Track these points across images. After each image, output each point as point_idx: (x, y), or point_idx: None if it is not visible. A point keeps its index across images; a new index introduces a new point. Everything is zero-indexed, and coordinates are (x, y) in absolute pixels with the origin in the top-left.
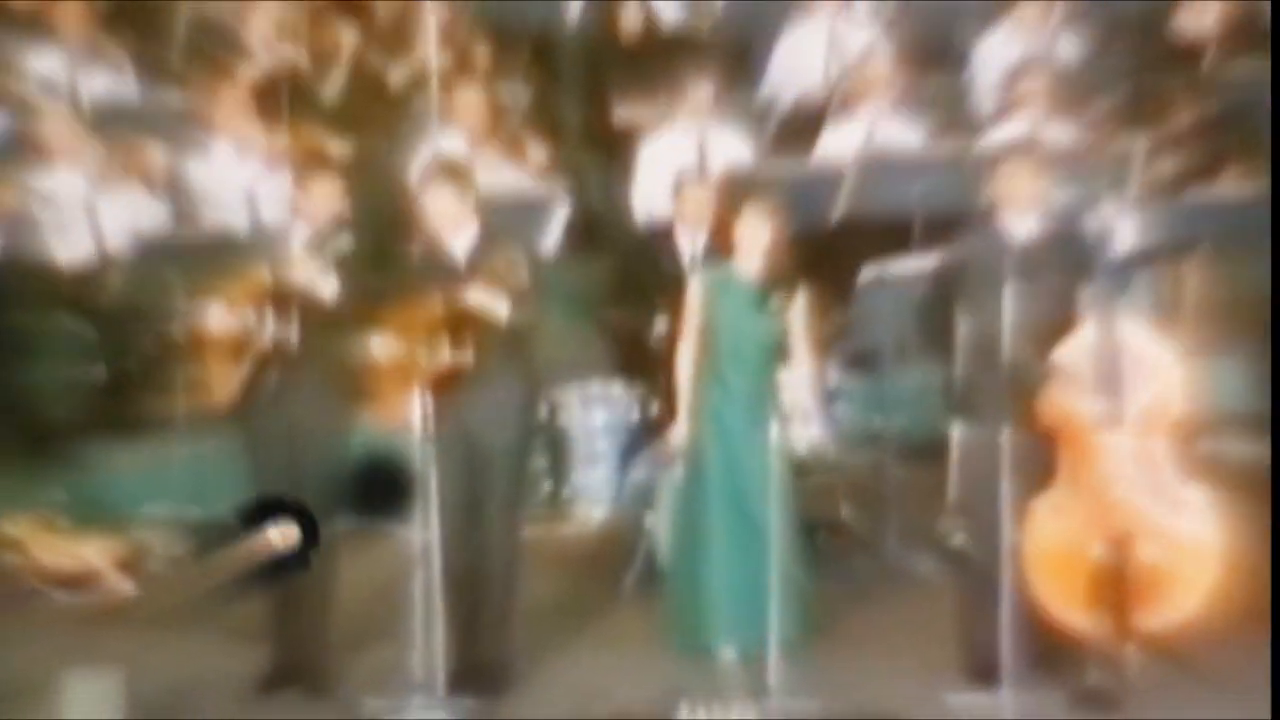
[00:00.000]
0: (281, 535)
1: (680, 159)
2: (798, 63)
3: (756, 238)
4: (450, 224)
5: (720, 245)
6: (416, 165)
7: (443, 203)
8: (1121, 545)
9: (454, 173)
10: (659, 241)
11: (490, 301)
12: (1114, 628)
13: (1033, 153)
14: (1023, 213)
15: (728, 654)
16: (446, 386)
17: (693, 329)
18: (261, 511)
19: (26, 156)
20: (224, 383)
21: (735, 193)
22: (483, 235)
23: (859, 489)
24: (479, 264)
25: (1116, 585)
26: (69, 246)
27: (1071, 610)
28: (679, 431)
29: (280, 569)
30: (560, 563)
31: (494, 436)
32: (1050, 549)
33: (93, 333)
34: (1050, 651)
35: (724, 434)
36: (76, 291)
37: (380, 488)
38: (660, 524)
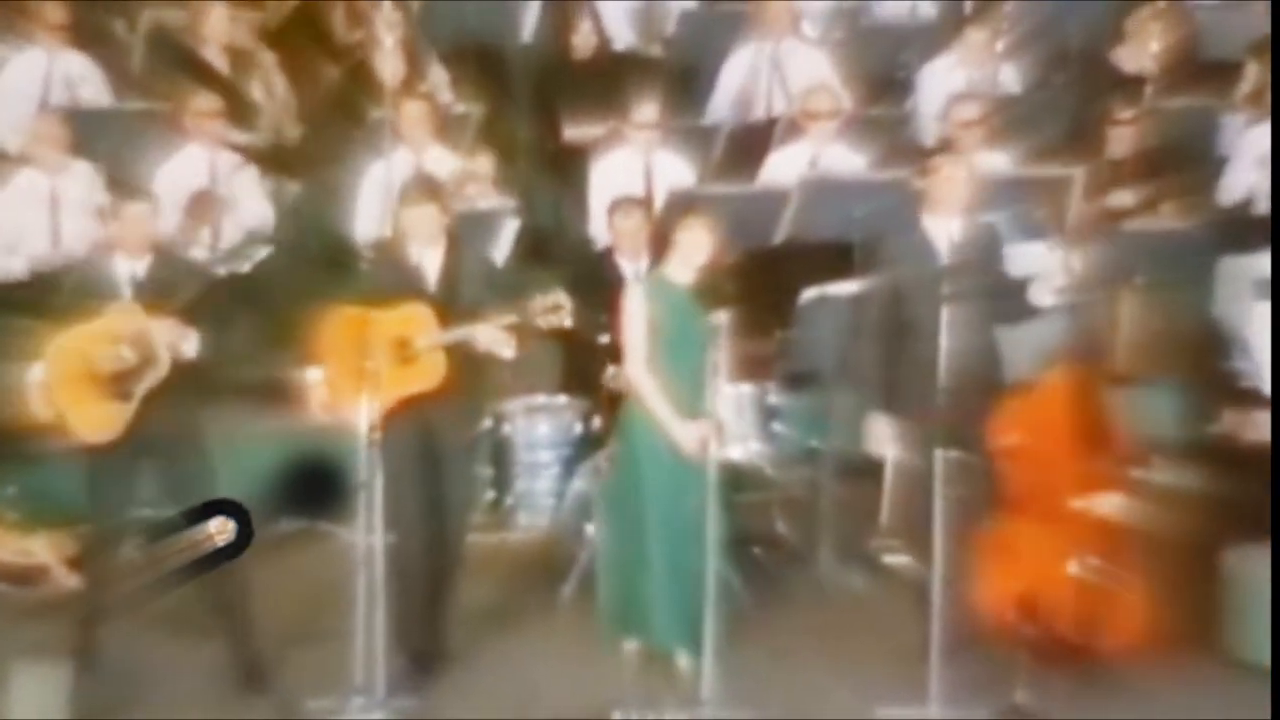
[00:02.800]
0: (219, 530)
1: (628, 179)
2: (744, 85)
3: (696, 247)
4: (424, 240)
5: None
6: (368, 179)
7: (420, 220)
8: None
9: (433, 191)
10: (606, 259)
11: (498, 341)
12: (1054, 648)
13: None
14: (947, 218)
15: (655, 653)
16: (409, 402)
17: (637, 338)
18: (204, 510)
19: None
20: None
21: (677, 215)
22: (450, 252)
23: (795, 505)
24: (448, 280)
25: (1065, 606)
26: (28, 249)
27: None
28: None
29: (215, 560)
30: (501, 569)
31: (452, 438)
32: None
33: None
34: (980, 669)
35: (658, 440)
36: (28, 294)
37: (315, 487)
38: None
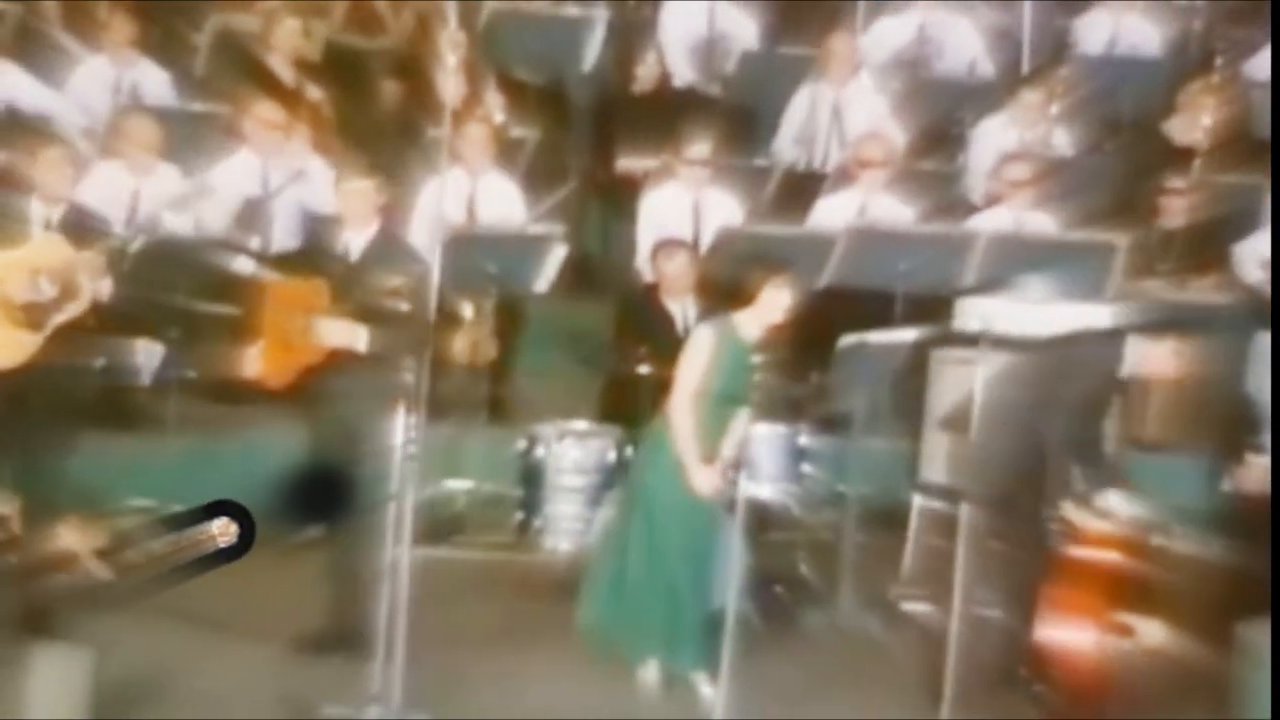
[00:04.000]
0: (221, 531)
1: (677, 214)
2: (803, 128)
3: (775, 308)
4: (356, 219)
5: (710, 304)
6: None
7: (351, 195)
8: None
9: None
10: (651, 294)
11: (349, 336)
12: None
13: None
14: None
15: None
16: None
17: (692, 378)
18: (207, 511)
19: None
20: None
21: (723, 254)
22: (380, 236)
23: (819, 547)
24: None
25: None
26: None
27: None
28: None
29: (216, 561)
30: (523, 590)
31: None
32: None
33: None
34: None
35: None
36: None
37: (319, 495)
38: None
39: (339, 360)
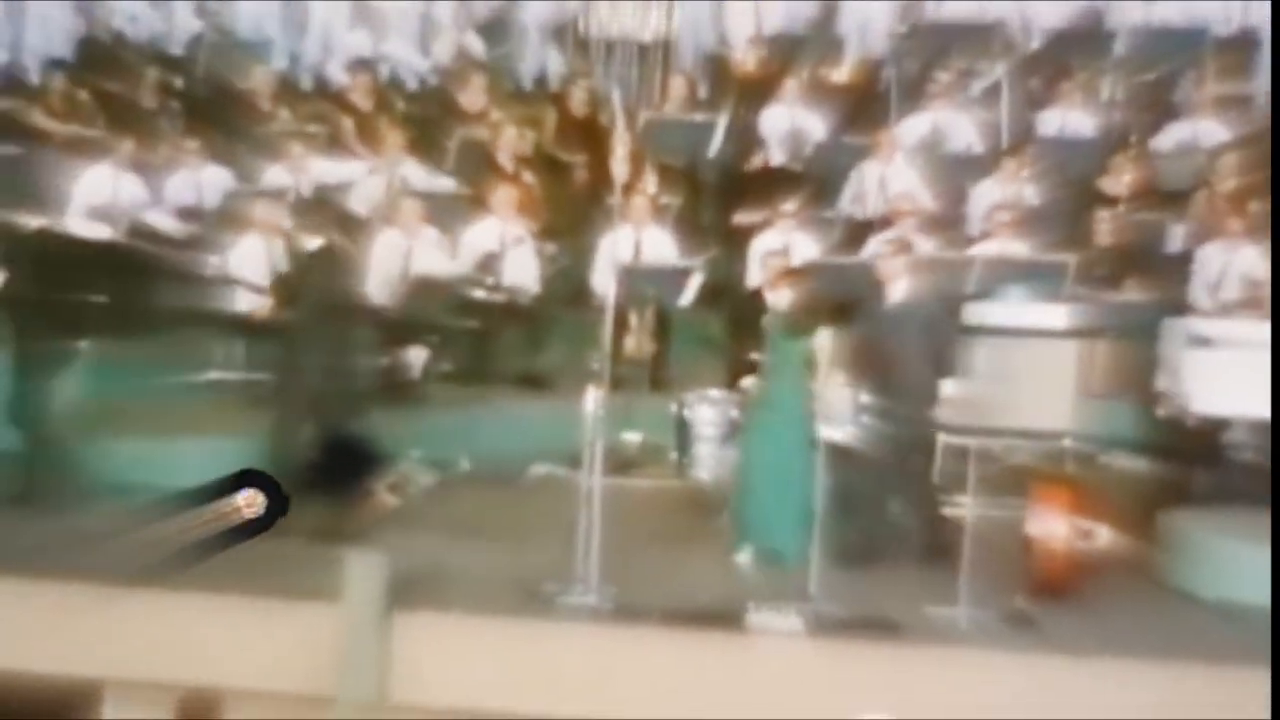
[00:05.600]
0: (248, 503)
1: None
2: (857, 192)
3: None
4: None
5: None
6: (602, 246)
7: None
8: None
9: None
10: (756, 297)
11: None
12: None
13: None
14: None
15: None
16: None
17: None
18: (235, 482)
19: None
20: None
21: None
22: None
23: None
24: None
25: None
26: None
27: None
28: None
29: (244, 533)
30: (679, 508)
31: None
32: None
33: (379, 337)
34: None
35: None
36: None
37: (347, 461)
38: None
39: None
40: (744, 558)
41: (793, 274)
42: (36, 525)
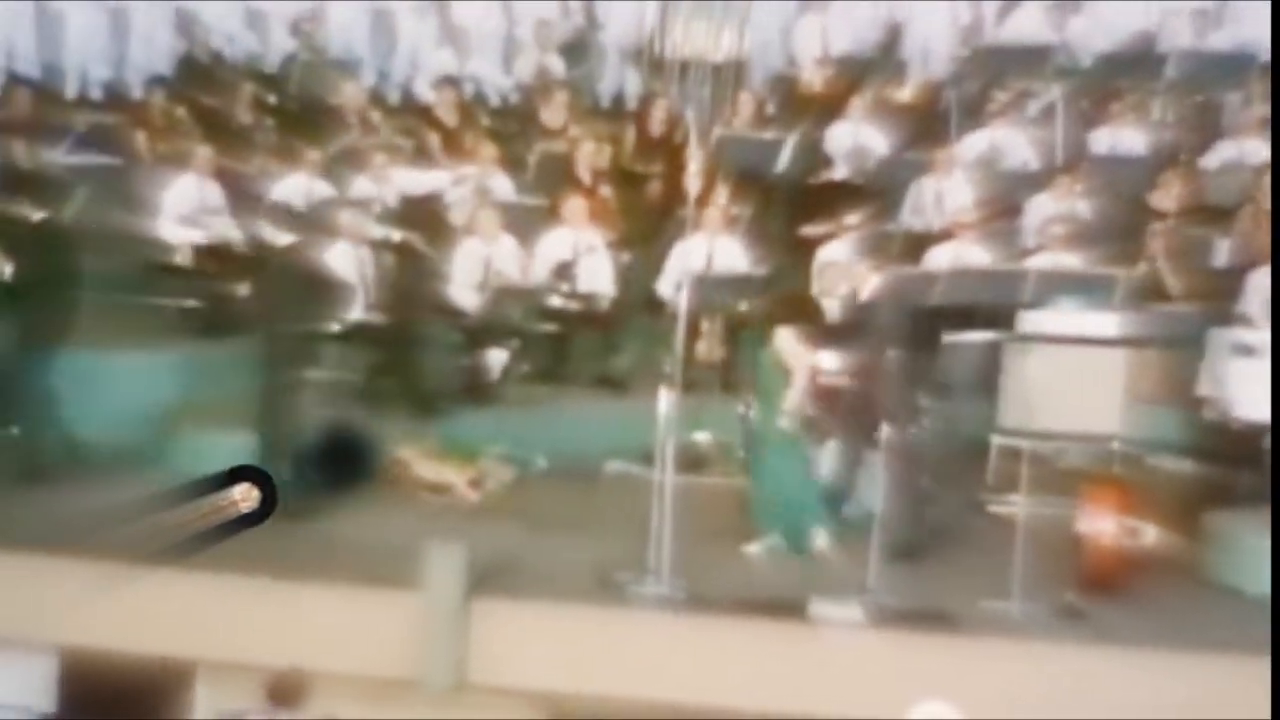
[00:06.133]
0: (243, 497)
1: (840, 262)
2: (917, 205)
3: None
4: None
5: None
6: (673, 255)
7: None
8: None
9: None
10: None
11: None
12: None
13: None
14: None
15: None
16: None
17: None
18: (230, 476)
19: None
20: None
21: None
22: None
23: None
24: None
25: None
26: (463, 292)
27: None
28: None
29: (238, 527)
30: (745, 504)
31: None
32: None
33: (461, 340)
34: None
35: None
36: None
37: (343, 458)
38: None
39: None
40: (755, 549)
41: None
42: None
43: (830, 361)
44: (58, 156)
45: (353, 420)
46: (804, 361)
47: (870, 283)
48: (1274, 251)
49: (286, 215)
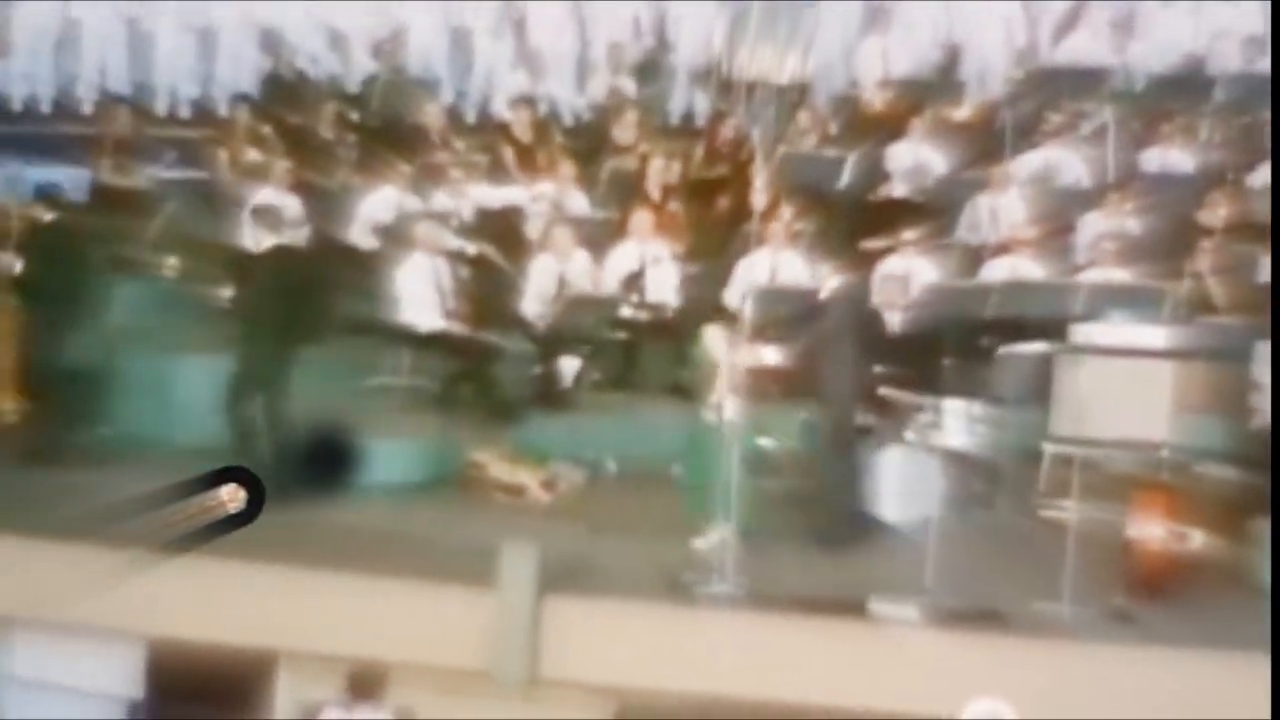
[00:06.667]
0: (230, 497)
1: (897, 273)
2: (973, 222)
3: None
4: None
5: None
6: (740, 268)
7: None
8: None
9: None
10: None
11: None
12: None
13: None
14: None
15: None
16: None
17: None
18: (216, 477)
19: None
20: None
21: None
22: None
23: (989, 474)
24: None
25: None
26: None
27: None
28: None
29: (225, 527)
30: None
31: None
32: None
33: (535, 349)
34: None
35: None
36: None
37: (326, 457)
38: None
39: None
40: (703, 542)
41: None
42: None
43: (772, 356)
44: (152, 171)
45: (336, 422)
46: (729, 358)
47: (830, 282)
48: (1274, 251)
49: (369, 228)
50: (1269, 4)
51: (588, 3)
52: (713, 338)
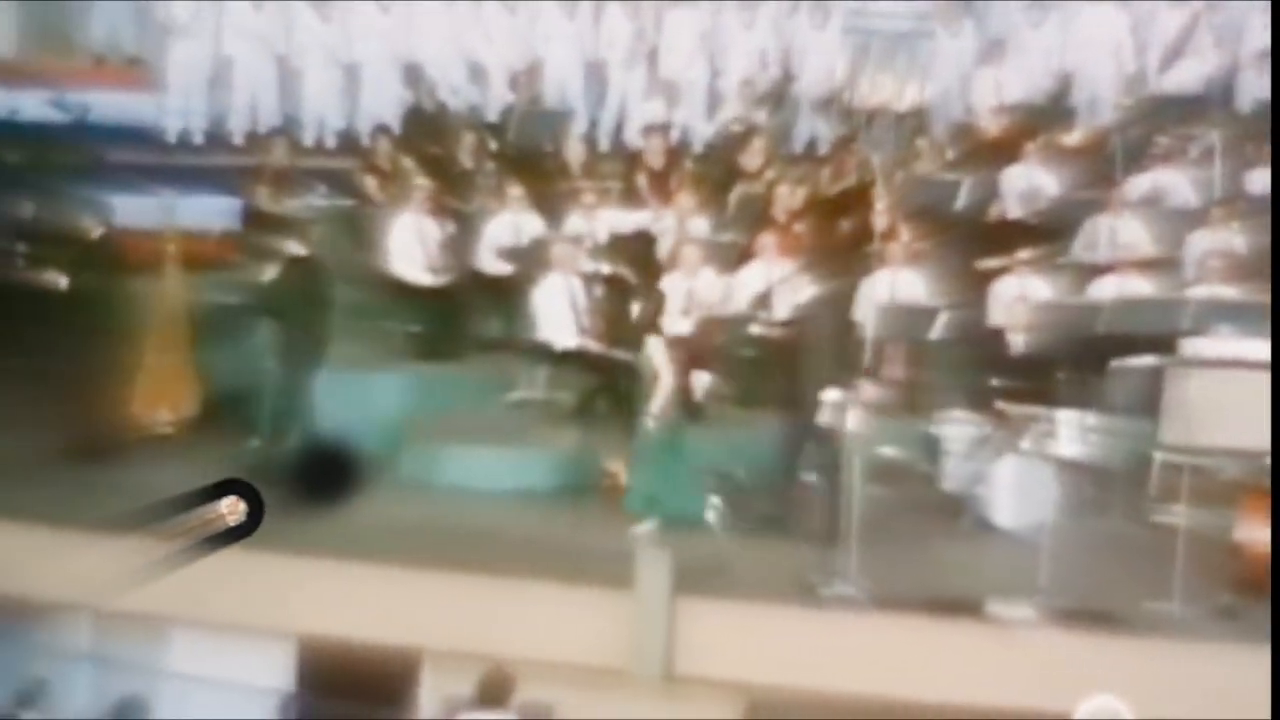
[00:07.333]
0: (230, 509)
1: (1012, 294)
2: (1087, 242)
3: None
4: None
5: None
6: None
7: None
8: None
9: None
10: (998, 335)
11: None
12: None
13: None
14: None
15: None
16: None
17: None
18: (216, 489)
19: None
20: None
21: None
22: None
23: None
24: None
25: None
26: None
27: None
28: None
29: (225, 540)
30: (928, 514)
31: None
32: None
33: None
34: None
35: None
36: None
37: (328, 471)
38: None
39: None
40: (637, 531)
41: None
42: None
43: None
44: (304, 200)
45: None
46: (669, 368)
47: (807, 292)
48: (1274, 251)
49: (506, 250)
50: (1269, 3)
51: (717, 36)
52: (653, 348)
